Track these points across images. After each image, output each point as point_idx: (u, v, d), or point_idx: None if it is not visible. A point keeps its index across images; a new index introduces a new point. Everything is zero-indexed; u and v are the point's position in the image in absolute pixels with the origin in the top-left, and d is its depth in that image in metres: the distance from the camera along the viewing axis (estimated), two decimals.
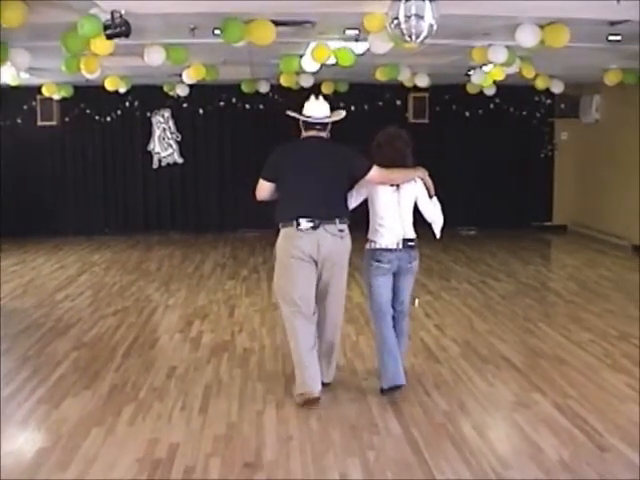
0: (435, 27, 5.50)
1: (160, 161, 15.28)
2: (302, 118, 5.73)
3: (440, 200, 5.95)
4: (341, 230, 5.59)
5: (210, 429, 5.12)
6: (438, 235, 5.96)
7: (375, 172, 5.61)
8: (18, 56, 8.16)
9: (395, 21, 5.50)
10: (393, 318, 5.85)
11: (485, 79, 11.08)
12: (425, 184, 5.86)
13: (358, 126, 14.63)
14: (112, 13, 5.92)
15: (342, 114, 5.90)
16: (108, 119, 14.98)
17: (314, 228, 5.49)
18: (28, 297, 9.43)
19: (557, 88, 12.75)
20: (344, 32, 8.01)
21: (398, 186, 5.75)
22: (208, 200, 15.30)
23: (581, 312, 8.43)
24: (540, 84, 12.03)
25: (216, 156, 15.23)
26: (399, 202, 5.75)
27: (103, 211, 15.26)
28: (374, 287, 5.78)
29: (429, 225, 5.98)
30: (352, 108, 14.83)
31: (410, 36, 5.55)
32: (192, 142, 15.22)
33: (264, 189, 5.74)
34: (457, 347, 7.07)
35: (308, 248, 5.52)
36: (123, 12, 5.96)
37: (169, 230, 15.22)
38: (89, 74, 9.20)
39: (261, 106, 14.76)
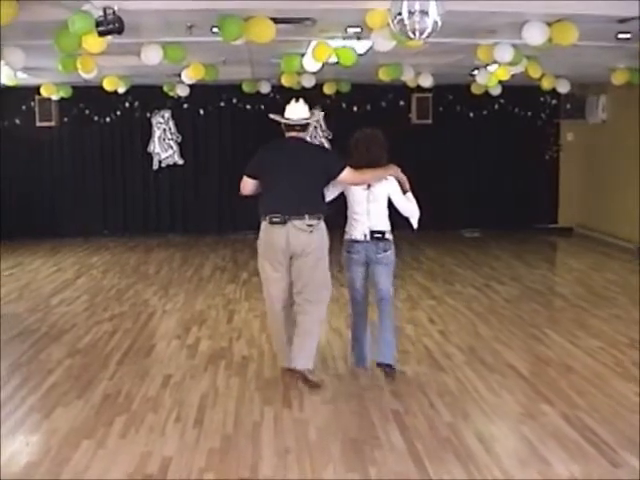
0: (440, 24, 5.30)
1: (160, 162, 15.10)
2: (283, 120, 6.12)
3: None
4: (310, 225, 5.91)
5: (205, 442, 4.91)
6: (415, 226, 6.32)
7: (347, 174, 6.01)
8: (12, 55, 7.97)
9: (398, 17, 5.30)
10: (377, 306, 6.31)
11: (490, 79, 10.88)
12: (399, 181, 6.18)
13: (361, 127, 14.57)
14: (104, 9, 5.73)
15: (320, 115, 6.43)
16: (107, 120, 14.82)
17: (283, 223, 5.88)
18: (23, 301, 9.25)
19: (563, 88, 12.55)
20: (346, 30, 7.82)
21: (369, 185, 6.14)
22: (208, 202, 15.10)
23: (588, 317, 8.23)
24: (546, 84, 11.83)
25: (217, 157, 15.05)
26: (369, 198, 6.13)
27: (102, 213, 15.09)
28: (348, 276, 6.35)
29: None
30: (354, 109, 14.76)
31: (414, 33, 5.35)
32: (193, 143, 15.02)
33: (247, 185, 6.21)
34: (462, 354, 6.86)
35: (279, 242, 5.93)
36: (116, 8, 5.77)
37: (169, 232, 15.06)
38: (86, 74, 9.03)
39: (262, 106, 14.54)
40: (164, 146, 15.06)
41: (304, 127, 6.13)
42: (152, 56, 8.21)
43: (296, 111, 6.08)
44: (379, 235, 6.13)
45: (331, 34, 8.12)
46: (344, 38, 8.26)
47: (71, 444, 4.86)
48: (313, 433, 5.06)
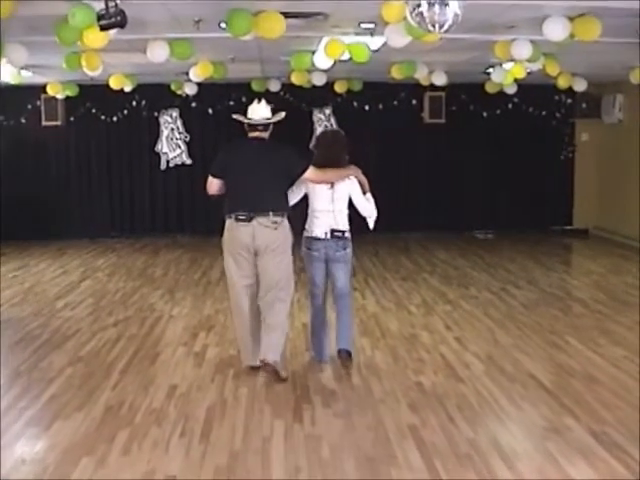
0: (460, 16, 5.02)
1: (168, 162, 14.85)
2: (245, 120, 6.27)
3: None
4: (275, 222, 6.08)
5: (211, 459, 4.63)
6: (372, 227, 6.55)
7: (310, 173, 6.18)
8: (14, 51, 7.71)
9: (417, 9, 5.02)
10: (334, 301, 6.58)
11: (506, 77, 10.58)
12: (359, 181, 6.39)
13: (372, 126, 14.37)
14: (106, 2, 5.46)
15: (282, 115, 6.42)
16: (114, 119, 14.56)
17: (248, 220, 6.05)
18: (26, 305, 8.99)
19: (579, 87, 12.30)
20: (359, 25, 7.55)
21: (332, 184, 6.33)
22: (217, 202, 14.76)
23: (610, 324, 7.92)
24: (562, 82, 11.56)
25: None
26: (333, 197, 6.33)
27: (109, 213, 14.86)
28: (308, 271, 6.56)
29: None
30: (366, 107, 14.51)
31: (433, 25, 5.06)
32: (201, 142, 14.72)
33: (212, 185, 6.41)
34: (480, 363, 6.56)
35: (244, 239, 6.10)
36: (118, 1, 5.49)
37: (177, 233, 14.81)
38: (91, 71, 8.78)
39: (272, 105, 14.25)
40: (172, 145, 14.80)
41: (266, 127, 6.28)
42: (158, 53, 7.96)
43: (258, 111, 6.27)
44: (339, 234, 6.36)
45: (343, 30, 7.84)
46: (357, 34, 7.99)
47: (70, 461, 4.59)
48: (326, 450, 4.77)
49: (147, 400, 5.67)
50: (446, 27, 5.09)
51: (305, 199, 6.48)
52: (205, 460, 4.63)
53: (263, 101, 6.39)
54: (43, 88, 12.83)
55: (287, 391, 5.88)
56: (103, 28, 5.64)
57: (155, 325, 7.99)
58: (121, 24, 5.59)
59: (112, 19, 5.52)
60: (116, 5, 5.48)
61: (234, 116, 6.43)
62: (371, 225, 6.54)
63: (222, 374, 6.29)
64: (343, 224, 6.39)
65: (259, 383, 6.04)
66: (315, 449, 4.78)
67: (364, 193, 6.42)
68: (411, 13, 5.13)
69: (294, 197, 6.37)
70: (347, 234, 6.41)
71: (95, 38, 6.09)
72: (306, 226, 6.46)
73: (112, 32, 5.94)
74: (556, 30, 6.96)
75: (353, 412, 5.43)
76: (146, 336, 7.55)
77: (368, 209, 6.44)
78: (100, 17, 5.56)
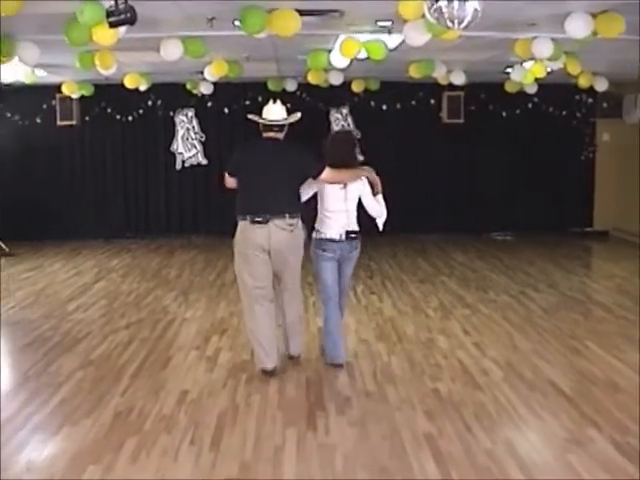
0: (480, 12, 4.85)
1: (184, 162, 14.74)
2: (260, 121, 6.26)
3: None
4: (291, 224, 6.11)
5: (221, 468, 4.50)
6: (381, 228, 6.52)
7: (326, 173, 6.16)
8: (26, 50, 7.61)
9: (436, 5, 4.86)
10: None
11: (526, 76, 10.39)
12: (371, 182, 6.38)
13: (390, 126, 14.23)
14: None
15: (297, 116, 6.41)
16: (130, 118, 14.47)
17: (265, 222, 6.03)
18: (38, 307, 8.88)
19: (600, 86, 12.06)
20: (376, 23, 7.39)
21: (345, 184, 6.29)
22: (232, 203, 14.64)
23: (633, 329, 7.70)
24: (583, 82, 11.35)
25: None
26: (346, 198, 6.32)
27: (124, 214, 14.76)
28: (320, 273, 6.44)
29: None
30: (384, 107, 14.36)
31: (452, 21, 4.90)
32: (217, 142, 14.59)
33: (229, 181, 6.46)
34: (499, 370, 6.38)
35: (260, 240, 6.07)
36: None
37: (192, 233, 14.70)
38: (104, 70, 8.68)
39: (288, 105, 14.07)
40: (187, 145, 14.70)
41: (281, 128, 6.27)
42: (172, 51, 7.84)
43: (273, 112, 6.25)
44: (353, 235, 6.38)
45: (360, 27, 7.69)
46: (374, 32, 7.83)
47: (76, 470, 4.47)
48: (339, 460, 4.61)
49: (157, 406, 5.54)
50: (465, 23, 4.93)
51: (313, 199, 6.43)
52: (215, 469, 4.50)
53: (278, 101, 6.37)
54: (58, 88, 12.77)
55: (300, 398, 5.73)
56: (112, 25, 5.52)
57: (168, 328, 7.86)
58: (131, 21, 5.46)
59: (121, 16, 5.39)
60: (126, 2, 5.35)
61: (249, 116, 6.41)
62: (380, 226, 6.53)
63: (234, 379, 6.15)
64: (354, 224, 6.40)
65: (272, 389, 5.90)
66: (328, 459, 4.63)
67: (376, 194, 6.40)
68: (429, 9, 4.98)
69: (304, 195, 6.34)
70: (358, 234, 6.44)
71: (104, 35, 5.95)
72: (317, 227, 6.42)
73: (122, 29, 5.82)
74: (579, 27, 6.79)
75: (368, 420, 5.26)
76: (158, 339, 7.42)
77: (377, 210, 6.42)
78: (109, 14, 5.43)
